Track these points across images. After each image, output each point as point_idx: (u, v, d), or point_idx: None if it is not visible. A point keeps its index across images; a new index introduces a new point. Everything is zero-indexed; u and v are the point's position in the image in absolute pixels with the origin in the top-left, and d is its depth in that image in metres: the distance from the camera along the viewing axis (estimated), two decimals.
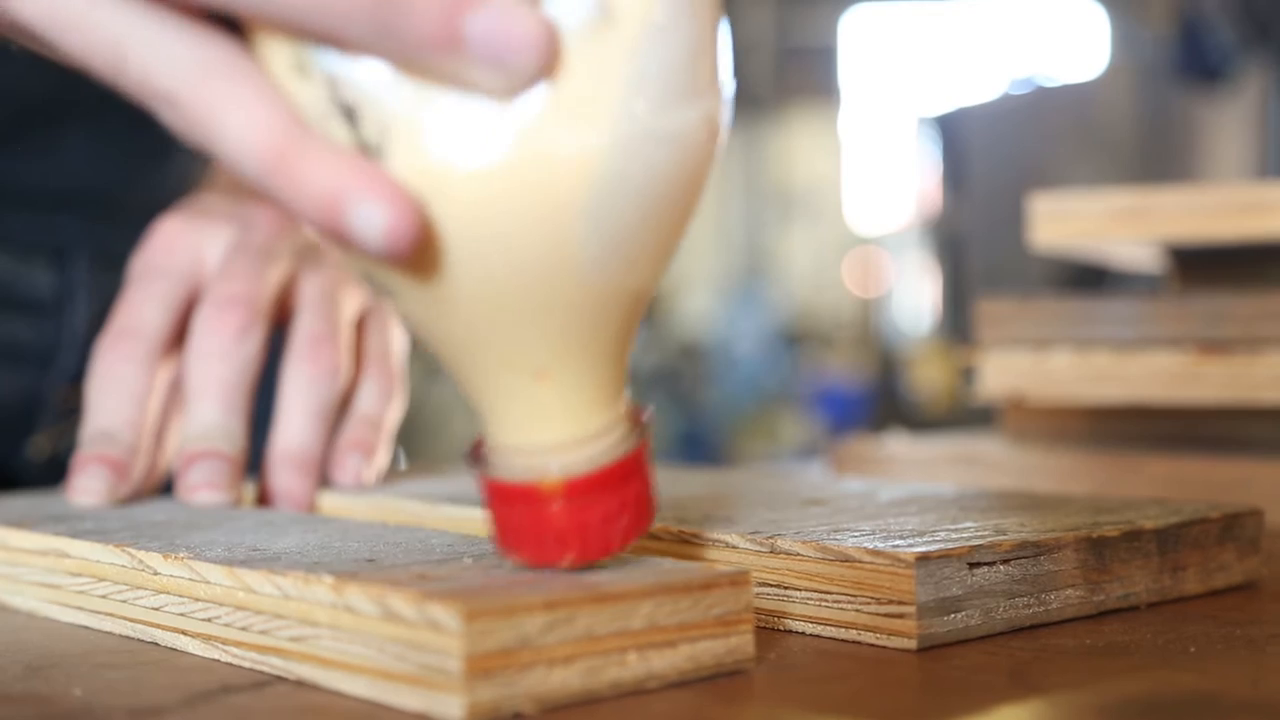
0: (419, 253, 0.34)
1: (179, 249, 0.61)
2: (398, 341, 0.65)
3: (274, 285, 0.60)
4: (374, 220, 0.33)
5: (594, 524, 0.37)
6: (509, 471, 0.37)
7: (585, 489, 0.37)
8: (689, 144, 0.35)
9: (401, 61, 0.33)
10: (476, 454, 0.39)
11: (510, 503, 0.38)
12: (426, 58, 0.32)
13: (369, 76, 0.33)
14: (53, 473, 0.74)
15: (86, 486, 0.55)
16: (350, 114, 0.33)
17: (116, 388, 0.57)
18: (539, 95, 0.33)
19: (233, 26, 0.34)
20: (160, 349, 0.59)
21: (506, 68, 0.32)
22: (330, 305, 0.61)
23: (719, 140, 0.36)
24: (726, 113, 0.36)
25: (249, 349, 0.58)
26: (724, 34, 0.36)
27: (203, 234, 0.61)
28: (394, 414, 0.63)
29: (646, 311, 0.38)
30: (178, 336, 0.60)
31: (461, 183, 0.33)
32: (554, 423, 0.37)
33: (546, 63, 0.33)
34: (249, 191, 0.63)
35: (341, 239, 0.33)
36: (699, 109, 0.35)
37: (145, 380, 0.58)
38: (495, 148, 0.33)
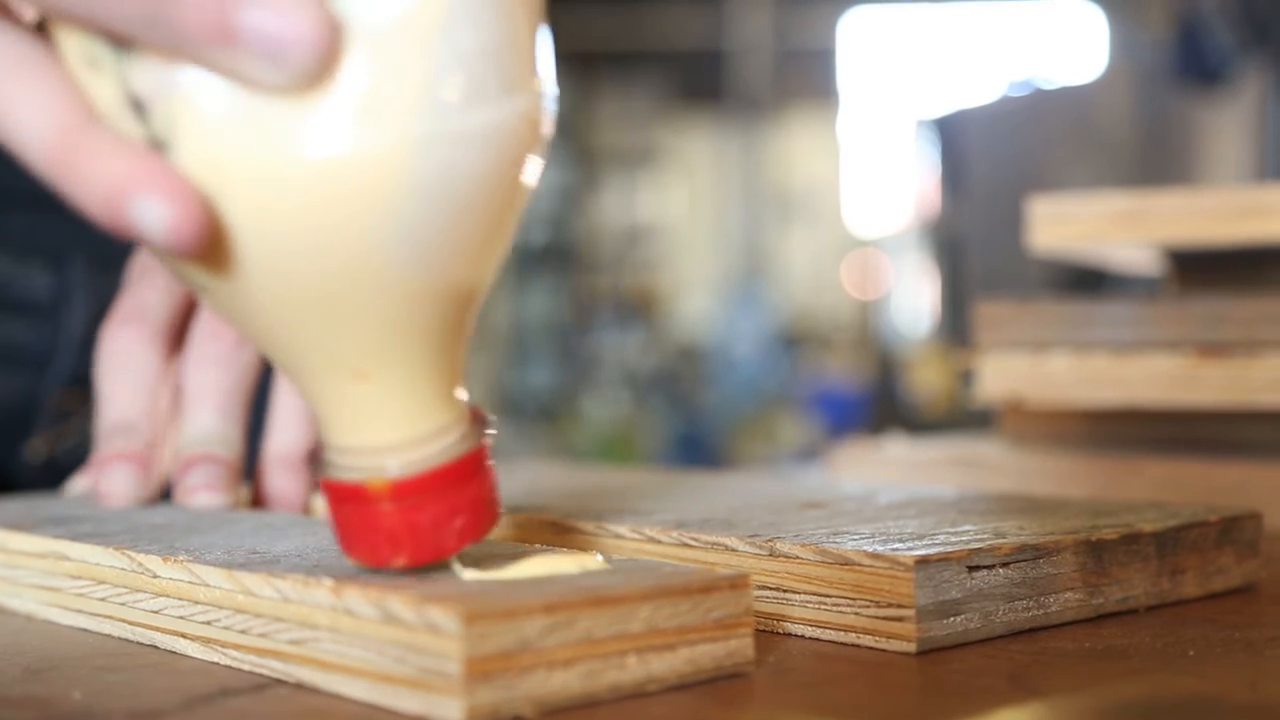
0: (212, 250, 0.34)
1: None
2: None
3: None
4: (156, 215, 0.32)
5: (425, 526, 0.37)
6: (341, 472, 0.37)
7: (414, 490, 0.37)
8: (502, 142, 0.34)
9: (175, 54, 0.32)
10: (315, 455, 0.39)
11: (343, 503, 0.38)
12: (199, 51, 0.32)
13: (156, 70, 0.33)
14: (50, 475, 0.74)
15: (113, 490, 0.55)
16: (140, 108, 0.33)
17: (127, 373, 0.57)
18: (330, 92, 0.32)
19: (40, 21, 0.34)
20: (167, 332, 0.58)
21: (282, 63, 0.32)
22: None
23: (539, 139, 0.35)
24: (547, 110, 0.35)
25: (247, 355, 0.58)
26: (543, 28, 0.35)
27: None
28: None
29: (480, 310, 0.38)
30: (180, 329, 0.59)
31: (250, 181, 0.33)
32: (381, 424, 0.37)
33: (329, 58, 0.32)
34: None
35: (126, 233, 0.33)
36: (512, 105, 0.34)
37: (155, 363, 0.58)
38: (282, 146, 0.33)
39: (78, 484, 0.62)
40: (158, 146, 0.33)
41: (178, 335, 0.59)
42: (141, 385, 0.57)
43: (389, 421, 0.37)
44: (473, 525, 0.38)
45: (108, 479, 0.55)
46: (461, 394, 0.38)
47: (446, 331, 0.36)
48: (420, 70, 0.32)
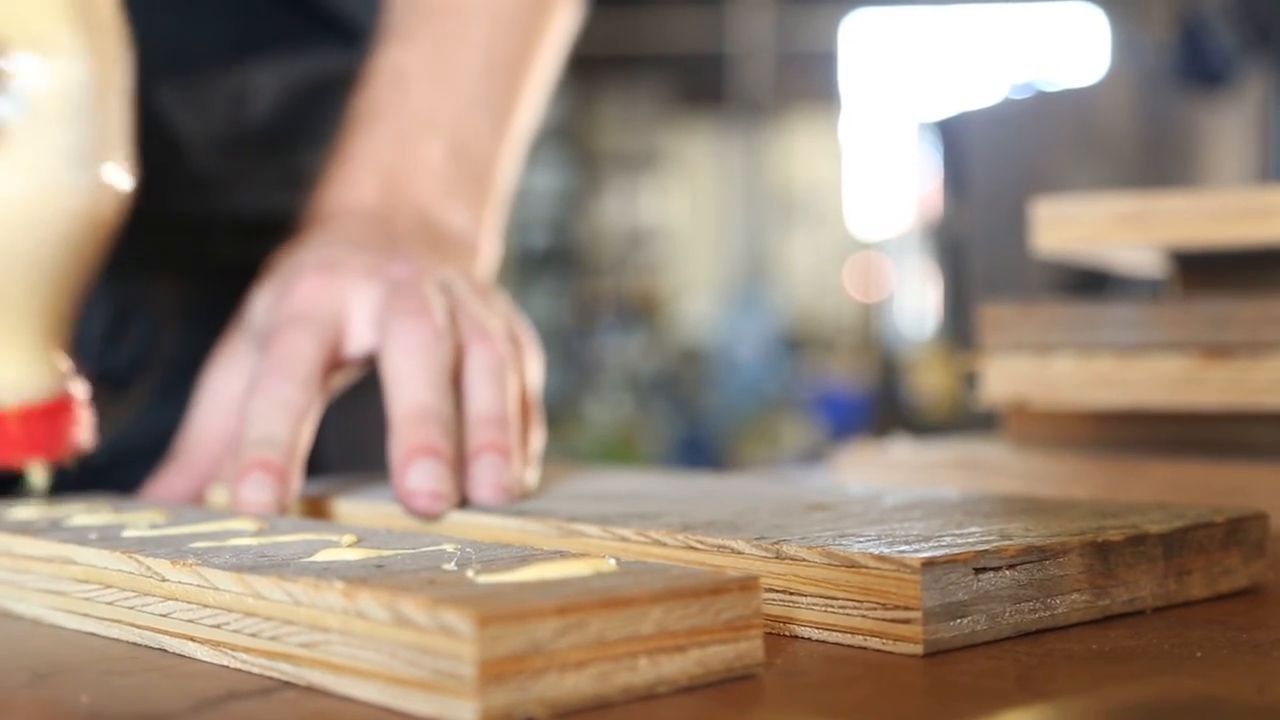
0: None
1: (324, 301, 0.62)
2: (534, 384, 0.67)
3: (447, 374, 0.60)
4: None
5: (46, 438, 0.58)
6: None
7: (30, 416, 0.57)
8: (101, 192, 0.54)
9: None
10: None
11: None
12: None
13: None
14: (57, 481, 0.74)
15: (250, 497, 0.55)
16: None
17: (276, 405, 0.58)
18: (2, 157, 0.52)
19: None
20: (319, 376, 0.59)
21: None
22: (499, 380, 0.62)
23: (122, 194, 0.55)
24: (126, 179, 0.55)
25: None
26: (123, 135, 0.55)
27: (345, 289, 0.62)
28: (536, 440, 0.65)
29: (78, 306, 0.57)
30: (327, 375, 0.61)
31: None
32: None
33: None
34: (368, 238, 0.65)
35: None
36: (103, 171, 0.54)
37: (305, 401, 0.59)
38: None
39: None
40: None
41: (324, 381, 0.61)
42: (289, 414, 0.58)
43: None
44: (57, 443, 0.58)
45: (244, 488, 0.56)
46: (58, 360, 0.57)
47: (51, 311, 0.56)
48: (55, 147, 0.53)
